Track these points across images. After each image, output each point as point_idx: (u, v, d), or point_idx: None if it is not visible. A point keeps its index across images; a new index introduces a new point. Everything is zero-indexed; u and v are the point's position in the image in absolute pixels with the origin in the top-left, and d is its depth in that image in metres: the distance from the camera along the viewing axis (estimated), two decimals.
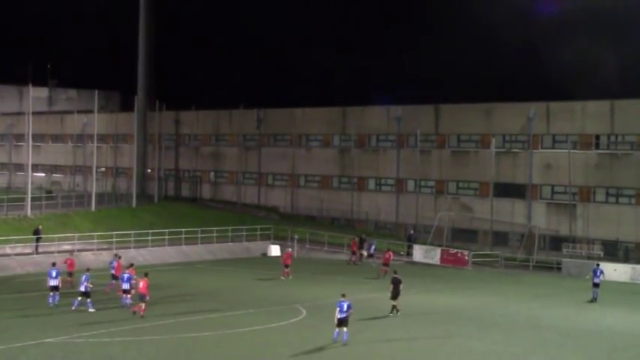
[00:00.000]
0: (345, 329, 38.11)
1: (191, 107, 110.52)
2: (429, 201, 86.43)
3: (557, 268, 69.67)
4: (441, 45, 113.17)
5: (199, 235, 75.73)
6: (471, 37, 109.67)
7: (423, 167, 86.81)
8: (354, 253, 72.29)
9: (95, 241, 68.50)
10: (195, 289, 54.20)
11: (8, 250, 64.06)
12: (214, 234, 77.03)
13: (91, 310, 45.11)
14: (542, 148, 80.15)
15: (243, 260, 73.23)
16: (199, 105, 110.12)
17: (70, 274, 53.13)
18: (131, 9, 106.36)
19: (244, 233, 79.43)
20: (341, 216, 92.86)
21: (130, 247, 69.70)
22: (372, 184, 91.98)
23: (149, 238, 72.15)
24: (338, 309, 38.39)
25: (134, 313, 43.73)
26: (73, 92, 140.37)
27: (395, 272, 47.98)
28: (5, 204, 76.76)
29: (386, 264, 62.29)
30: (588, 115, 78.05)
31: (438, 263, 72.24)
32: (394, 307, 46.05)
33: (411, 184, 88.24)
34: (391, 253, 64.55)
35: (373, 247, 72.12)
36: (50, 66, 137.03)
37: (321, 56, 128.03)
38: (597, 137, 77.58)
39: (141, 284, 44.01)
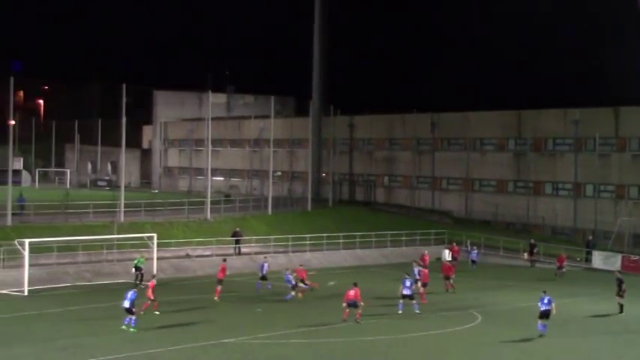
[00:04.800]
0: (545, 322, 40.65)
1: (365, 112, 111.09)
2: (608, 206, 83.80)
3: None
4: (616, 43, 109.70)
5: (373, 239, 76.04)
6: None
7: (602, 171, 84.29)
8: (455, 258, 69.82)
9: (272, 244, 69.78)
10: (368, 293, 54.34)
11: (189, 252, 66.08)
12: (388, 238, 77.15)
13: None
14: None
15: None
16: (373, 109, 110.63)
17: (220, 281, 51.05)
18: (306, 14, 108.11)
19: (418, 237, 79.19)
20: (516, 221, 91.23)
21: (306, 251, 70.65)
22: (548, 188, 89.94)
23: (324, 241, 72.98)
24: (540, 302, 41.01)
25: (345, 320, 43.49)
26: (249, 98, 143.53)
27: (619, 272, 51.97)
28: (186, 207, 79.26)
29: (560, 267, 65.26)
30: None
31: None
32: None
33: (589, 189, 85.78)
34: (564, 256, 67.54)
35: (475, 252, 71.48)
36: (228, 72, 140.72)
37: (493, 59, 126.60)
38: None
39: (352, 292, 43.96)
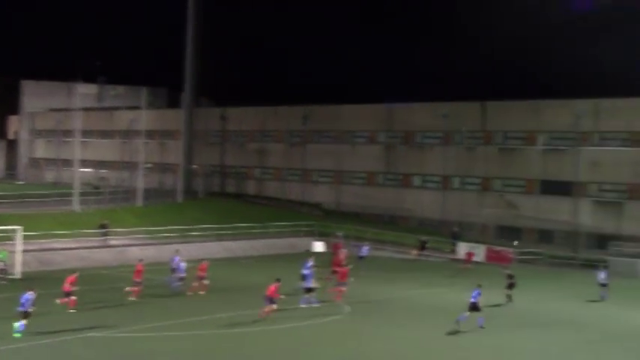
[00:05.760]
0: (478, 315, 41.31)
1: (237, 104, 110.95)
2: (474, 198, 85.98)
3: (603, 266, 68.67)
4: (486, 42, 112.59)
5: (243, 231, 76.05)
6: (517, 34, 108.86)
7: (468, 164, 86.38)
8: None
9: (141, 236, 69.02)
10: (238, 285, 54.35)
11: (55, 245, 64.75)
12: (258, 230, 77.29)
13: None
14: (589, 145, 79.27)
15: (286, 256, 73.31)
16: (245, 102, 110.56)
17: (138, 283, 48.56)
18: (179, 6, 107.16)
19: (288, 230, 79.61)
20: (385, 213, 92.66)
21: (176, 243, 70.04)
22: (417, 180, 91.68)
23: (194, 233, 72.62)
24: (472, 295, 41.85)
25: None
26: (121, 89, 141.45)
27: (507, 269, 54.65)
28: (53, 199, 77.73)
29: (468, 261, 66.70)
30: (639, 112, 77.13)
31: (483, 261, 71.75)
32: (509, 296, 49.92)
33: (456, 181, 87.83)
34: (472, 253, 69.14)
35: (366, 248, 67.69)
36: (99, 63, 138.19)
37: (367, 52, 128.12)
38: None
39: (271, 288, 43.33)
